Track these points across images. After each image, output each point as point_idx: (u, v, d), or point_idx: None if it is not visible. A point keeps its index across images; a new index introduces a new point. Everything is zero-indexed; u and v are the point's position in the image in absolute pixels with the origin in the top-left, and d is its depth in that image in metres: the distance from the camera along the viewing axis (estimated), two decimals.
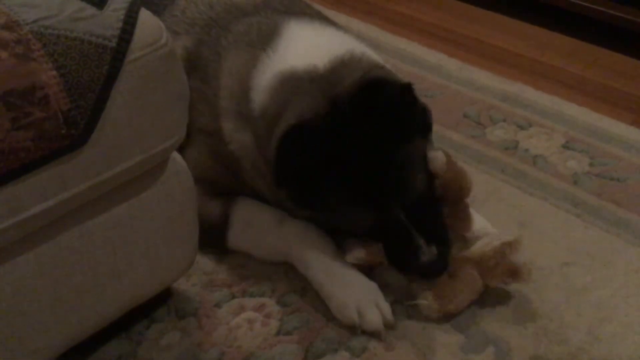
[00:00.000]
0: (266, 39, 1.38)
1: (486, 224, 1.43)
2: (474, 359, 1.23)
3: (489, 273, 1.28)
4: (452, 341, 1.26)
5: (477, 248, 1.30)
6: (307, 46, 1.35)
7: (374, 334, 1.26)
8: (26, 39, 0.88)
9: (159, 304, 1.31)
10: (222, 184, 1.43)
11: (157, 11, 1.45)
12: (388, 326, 1.27)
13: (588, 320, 1.30)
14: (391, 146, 1.25)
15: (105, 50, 0.94)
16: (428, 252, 1.24)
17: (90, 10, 0.95)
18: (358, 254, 1.33)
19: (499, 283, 1.30)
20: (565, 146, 1.79)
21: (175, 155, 1.16)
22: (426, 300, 1.27)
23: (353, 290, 1.28)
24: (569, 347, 1.25)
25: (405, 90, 1.26)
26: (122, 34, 0.96)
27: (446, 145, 1.76)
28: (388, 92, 1.24)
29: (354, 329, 1.26)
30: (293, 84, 1.29)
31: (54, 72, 0.89)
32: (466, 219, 1.36)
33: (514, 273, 1.29)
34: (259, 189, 1.41)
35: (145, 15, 1.00)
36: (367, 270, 1.34)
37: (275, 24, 1.40)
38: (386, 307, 1.28)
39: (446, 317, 1.29)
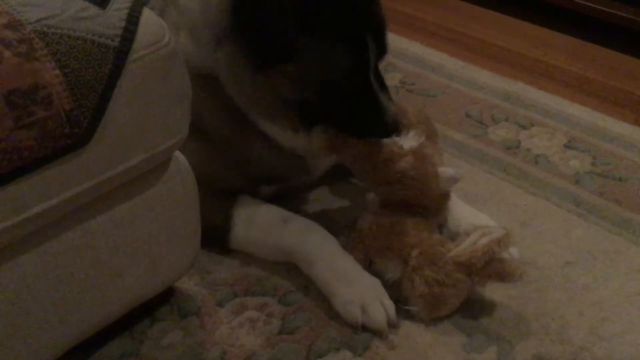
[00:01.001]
0: None
1: (475, 215, 1.43)
2: (476, 358, 1.23)
3: (478, 274, 1.26)
4: (454, 340, 1.26)
5: (465, 248, 1.26)
6: None
7: (376, 333, 1.26)
8: (29, 38, 0.89)
9: (161, 303, 1.31)
10: (223, 179, 1.42)
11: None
12: (391, 325, 1.27)
13: (590, 320, 1.30)
14: None
15: (107, 50, 0.94)
16: (392, 112, 1.28)
17: (93, 9, 0.96)
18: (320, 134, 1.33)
19: (488, 283, 1.29)
20: (567, 146, 1.79)
21: (178, 154, 1.16)
22: (416, 307, 1.28)
23: (357, 288, 1.28)
24: (570, 347, 1.25)
25: None
26: (125, 34, 0.96)
27: (448, 144, 1.77)
28: None
29: (356, 328, 1.26)
30: None
31: (57, 72, 0.89)
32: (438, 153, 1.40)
33: (504, 272, 1.25)
34: (211, 120, 1.37)
35: (147, 15, 1.01)
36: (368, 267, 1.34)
37: None
38: (390, 306, 1.27)
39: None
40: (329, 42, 1.23)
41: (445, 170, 1.34)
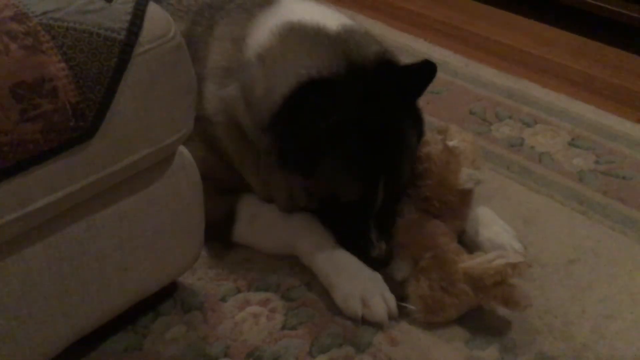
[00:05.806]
0: (263, 5, 1.39)
1: (498, 226, 1.43)
2: (479, 355, 1.23)
3: (485, 292, 1.25)
4: (457, 337, 1.26)
5: (479, 263, 1.25)
6: (311, 10, 1.36)
7: (377, 325, 1.26)
8: (35, 30, 0.89)
9: (164, 297, 1.31)
10: (223, 179, 1.42)
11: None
12: (392, 318, 1.27)
13: (593, 318, 1.30)
14: (398, 128, 1.28)
15: (113, 43, 0.94)
16: (378, 249, 1.30)
17: (99, 3, 0.96)
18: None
19: (492, 304, 1.27)
20: (571, 144, 1.79)
21: (182, 149, 1.16)
22: (414, 307, 1.27)
23: (358, 281, 1.29)
24: (573, 344, 1.25)
25: (423, 83, 1.29)
26: (131, 27, 0.96)
27: None
28: (407, 75, 1.27)
29: (356, 321, 1.26)
30: (303, 34, 1.29)
31: (63, 65, 0.89)
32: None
33: (510, 299, 1.24)
34: (240, 162, 1.40)
35: (153, 9, 1.00)
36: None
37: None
38: (391, 299, 1.28)
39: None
40: (346, 170, 1.26)
41: (468, 169, 1.34)
